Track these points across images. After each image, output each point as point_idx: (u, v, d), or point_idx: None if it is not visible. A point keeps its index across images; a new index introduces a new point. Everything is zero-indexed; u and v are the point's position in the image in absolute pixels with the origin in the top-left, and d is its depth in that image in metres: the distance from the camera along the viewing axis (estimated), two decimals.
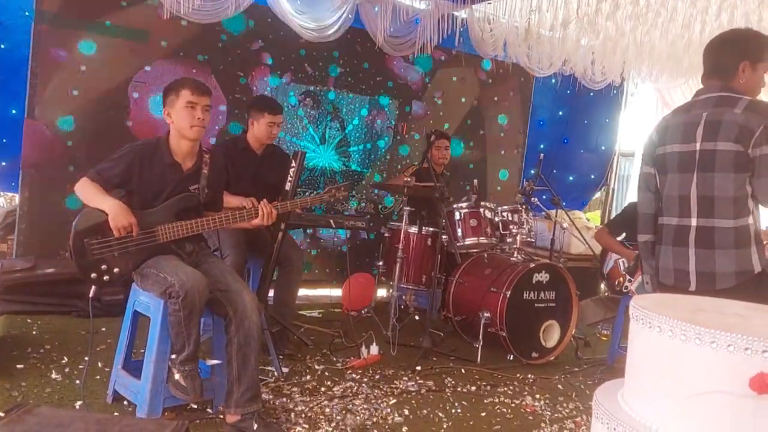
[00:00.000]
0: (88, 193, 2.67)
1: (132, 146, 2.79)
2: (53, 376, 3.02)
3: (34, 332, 3.66)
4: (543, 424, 3.11)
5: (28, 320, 3.83)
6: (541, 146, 6.45)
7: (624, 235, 4.35)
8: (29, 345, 3.39)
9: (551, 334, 4.14)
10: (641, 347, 1.42)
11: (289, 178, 3.40)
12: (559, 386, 3.72)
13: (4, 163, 4.42)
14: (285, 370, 3.39)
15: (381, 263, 4.67)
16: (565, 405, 3.40)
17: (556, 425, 3.11)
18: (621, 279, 4.29)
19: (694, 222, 2.33)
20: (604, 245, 4.51)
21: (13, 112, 4.25)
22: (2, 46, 4.26)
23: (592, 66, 5.54)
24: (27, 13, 4.15)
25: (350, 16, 4.68)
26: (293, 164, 3.42)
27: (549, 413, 3.26)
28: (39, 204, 4.20)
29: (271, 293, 3.73)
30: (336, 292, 5.30)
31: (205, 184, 2.84)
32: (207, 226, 2.75)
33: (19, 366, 3.08)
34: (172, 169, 2.77)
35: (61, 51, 4.18)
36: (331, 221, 4.04)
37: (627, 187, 7.84)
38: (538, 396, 3.49)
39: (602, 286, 5.70)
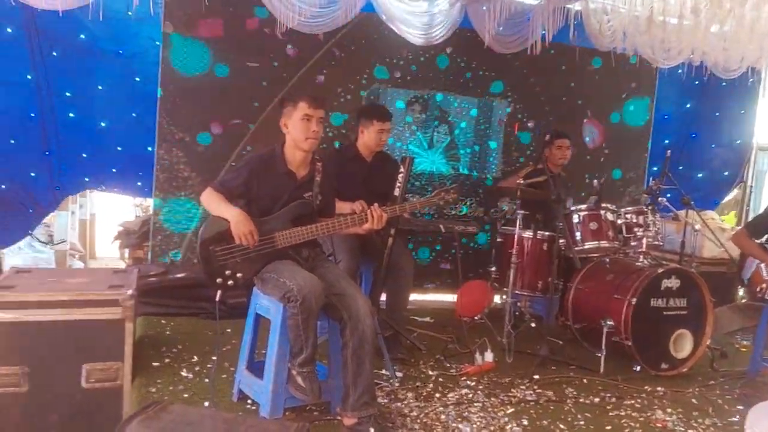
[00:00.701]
0: (212, 202, 2.83)
1: (251, 157, 2.93)
2: (184, 374, 3.22)
3: (167, 332, 3.92)
4: None
5: (162, 321, 4.10)
6: (666, 141, 6.04)
7: (767, 237, 3.95)
8: (163, 345, 3.64)
9: (683, 344, 3.86)
10: None
11: (398, 184, 3.41)
12: (693, 400, 3.46)
13: (140, 183, 4.81)
14: (399, 374, 3.39)
15: (494, 269, 4.55)
16: (701, 421, 3.15)
17: None
18: (764, 285, 3.90)
19: None
20: (743, 249, 4.12)
21: (149, 149, 4.53)
22: (137, 79, 4.57)
23: (725, 54, 5.08)
24: (157, 43, 4.42)
25: (458, 17, 4.61)
26: (401, 170, 3.43)
27: (682, 429, 3.05)
28: (170, 213, 4.50)
29: (383, 298, 3.75)
30: (447, 298, 5.26)
31: (318, 191, 2.92)
32: (321, 231, 2.82)
33: (155, 364, 3.31)
34: (287, 177, 2.88)
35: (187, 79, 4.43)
36: (441, 226, 4.00)
37: (765, 184, 7.15)
38: (669, 410, 3.26)
39: (740, 292, 5.23)
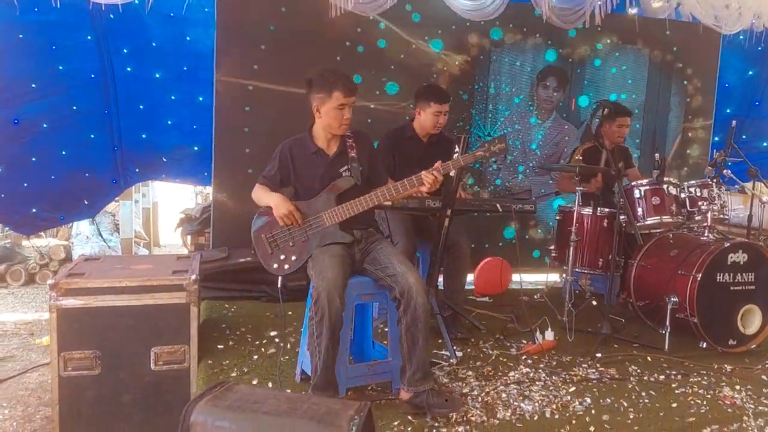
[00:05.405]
0: (258, 194, 2.93)
1: (281, 145, 2.97)
2: (248, 355, 3.30)
3: (230, 316, 4.03)
4: (745, 418, 2.82)
5: (226, 305, 4.21)
6: (728, 111, 5.79)
7: None
8: (227, 327, 3.74)
9: (751, 320, 3.73)
10: None
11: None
12: (763, 377, 3.35)
13: (196, 148, 4.91)
14: (459, 354, 3.39)
15: (552, 247, 4.47)
16: None
17: (762, 419, 2.80)
18: None
19: None
20: None
21: (200, 99, 4.73)
22: (188, 38, 4.72)
23: None
24: (206, 9, 4.56)
25: None
26: (456, 149, 3.39)
27: (752, 406, 2.94)
28: (229, 199, 4.58)
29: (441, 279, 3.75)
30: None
31: (356, 164, 2.90)
32: (365, 204, 2.80)
33: (219, 346, 3.40)
34: (317, 156, 2.91)
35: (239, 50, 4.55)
36: (498, 205, 3.94)
37: None
38: (738, 387, 3.16)
39: None
